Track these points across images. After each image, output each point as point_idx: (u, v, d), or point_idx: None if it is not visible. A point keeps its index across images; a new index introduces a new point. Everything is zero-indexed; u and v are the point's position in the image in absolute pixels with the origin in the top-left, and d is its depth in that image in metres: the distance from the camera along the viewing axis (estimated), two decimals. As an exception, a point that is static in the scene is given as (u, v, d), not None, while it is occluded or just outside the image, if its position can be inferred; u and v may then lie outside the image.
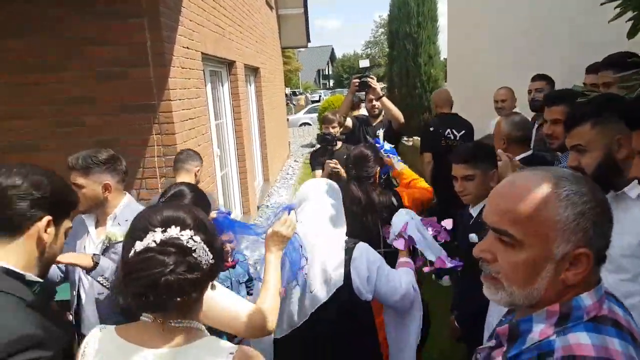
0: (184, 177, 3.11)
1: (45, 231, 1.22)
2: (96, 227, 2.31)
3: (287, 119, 15.91)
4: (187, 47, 4.36)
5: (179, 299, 1.05)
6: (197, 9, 4.75)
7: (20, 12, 3.70)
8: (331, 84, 59.59)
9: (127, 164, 3.82)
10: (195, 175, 3.22)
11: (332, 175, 3.79)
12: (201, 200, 1.94)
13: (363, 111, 5.35)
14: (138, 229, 1.11)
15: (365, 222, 2.53)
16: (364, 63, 6.60)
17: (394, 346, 2.17)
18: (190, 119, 4.35)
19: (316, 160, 4.19)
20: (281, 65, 13.86)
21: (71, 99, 3.82)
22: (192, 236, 1.10)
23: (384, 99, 4.19)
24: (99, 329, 1.18)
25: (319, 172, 4.14)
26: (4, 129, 3.87)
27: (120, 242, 2.04)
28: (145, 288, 1.03)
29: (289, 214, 1.84)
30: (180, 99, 4.07)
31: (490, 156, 2.26)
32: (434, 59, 13.46)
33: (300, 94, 37.22)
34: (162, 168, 3.96)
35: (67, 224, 1.32)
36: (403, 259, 2.25)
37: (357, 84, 4.15)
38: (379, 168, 2.69)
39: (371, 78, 4.17)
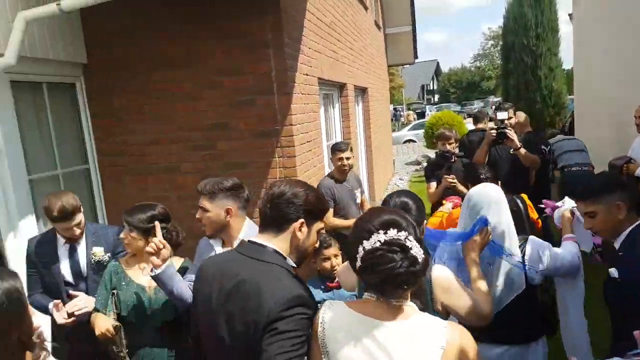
0: None
1: (300, 230, 1.60)
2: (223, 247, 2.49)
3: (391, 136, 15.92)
4: (307, 74, 4.67)
5: (405, 287, 1.35)
6: (315, 37, 5.07)
7: (165, 48, 4.26)
8: (436, 99, 58.30)
9: (252, 184, 4.27)
10: None
11: (449, 189, 4.13)
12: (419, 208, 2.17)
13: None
14: (363, 230, 1.39)
15: None
16: (502, 115, 6.44)
17: (562, 308, 2.54)
18: (307, 141, 4.63)
19: (432, 173, 4.46)
20: (387, 83, 13.99)
21: (206, 125, 4.28)
22: (407, 236, 1.36)
23: (521, 149, 4.31)
24: (330, 303, 1.49)
25: (433, 184, 4.42)
26: (150, 152, 4.45)
27: None
28: (382, 280, 1.33)
29: (485, 225, 2.23)
30: (300, 124, 4.37)
31: (615, 186, 2.14)
32: (556, 72, 12.60)
33: (407, 109, 36.94)
34: (282, 188, 4.24)
35: (318, 225, 1.68)
36: (569, 234, 2.58)
37: (494, 134, 4.32)
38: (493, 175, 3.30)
39: (509, 130, 4.31)
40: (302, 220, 1.60)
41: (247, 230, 2.43)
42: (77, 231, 2.88)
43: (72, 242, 2.94)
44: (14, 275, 1.34)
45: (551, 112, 12.65)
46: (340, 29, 6.49)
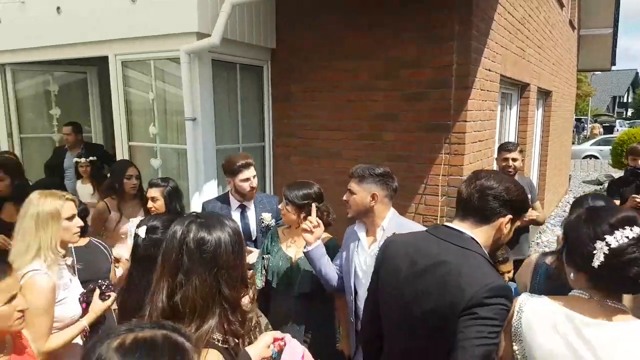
0: None
1: (506, 225, 1.59)
2: (367, 236, 2.49)
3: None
4: (489, 70, 4.35)
5: None
6: (503, 32, 4.69)
7: (349, 38, 4.35)
8: (629, 114, 50.37)
9: (412, 179, 4.15)
10: None
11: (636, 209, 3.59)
12: None
13: None
14: (596, 228, 1.36)
15: None
16: None
17: None
18: (479, 140, 4.33)
19: (617, 190, 4.07)
20: (574, 89, 12.46)
21: (375, 116, 4.29)
22: None
23: None
24: (529, 294, 1.52)
25: (616, 202, 3.81)
26: (318, 139, 4.64)
27: None
28: (633, 279, 1.30)
29: None
30: (474, 121, 4.10)
31: None
32: None
33: (593, 121, 32.69)
34: (445, 187, 4.06)
35: (517, 223, 1.65)
36: None
37: None
38: None
39: None
40: (510, 216, 1.59)
41: (390, 219, 2.43)
42: (255, 182, 3.13)
43: (244, 206, 3.20)
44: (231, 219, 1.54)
45: None
46: (530, 25, 5.92)
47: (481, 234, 1.59)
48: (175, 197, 3.26)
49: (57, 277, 2.17)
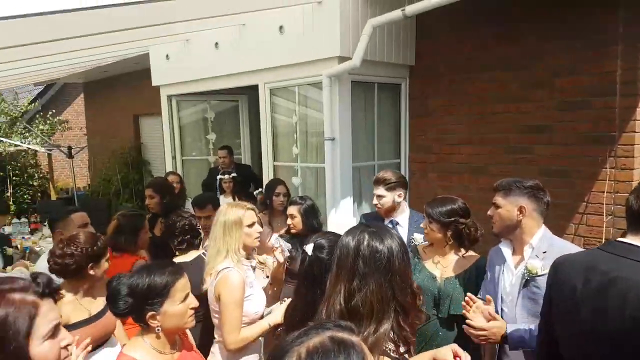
0: None
1: None
2: (513, 255, 2.28)
3: None
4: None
5: None
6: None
7: (494, 48, 4.12)
8: None
9: (570, 197, 3.75)
10: None
11: None
12: None
13: None
14: None
15: None
16: None
17: None
18: (651, 153, 3.75)
19: None
20: None
21: (526, 128, 3.98)
22: None
23: None
24: None
25: None
26: (458, 152, 4.45)
27: (541, 275, 2.04)
28: None
29: None
30: (645, 131, 3.57)
31: None
32: None
33: None
34: (611, 205, 3.58)
35: None
36: None
37: None
38: None
39: None
40: None
41: (542, 237, 2.19)
42: (375, 201, 3.08)
43: (396, 222, 3.13)
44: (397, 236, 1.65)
45: None
46: None
47: None
48: (311, 214, 3.36)
49: (244, 275, 2.44)
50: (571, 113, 3.73)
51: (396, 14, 3.61)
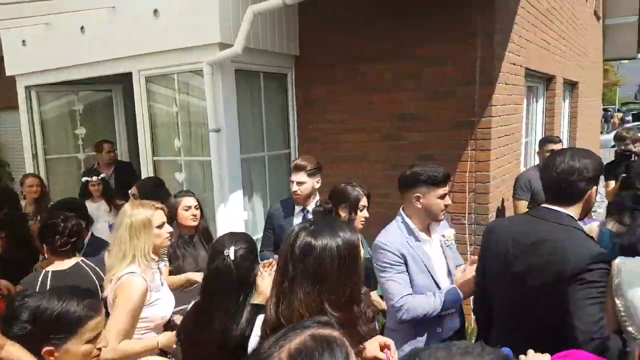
0: None
1: (593, 195, 1.83)
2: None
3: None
4: (513, 64, 4.26)
5: None
6: (527, 25, 4.59)
7: (372, 41, 4.30)
8: (658, 101, 48.75)
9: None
10: None
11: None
12: None
13: None
14: None
15: None
16: None
17: None
18: (505, 135, 4.24)
19: (610, 172, 4.60)
20: (600, 79, 12.13)
21: (401, 116, 4.23)
22: None
23: None
24: (622, 258, 1.65)
25: (611, 182, 4.59)
26: (342, 142, 4.59)
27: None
28: None
29: None
30: (499, 116, 4.01)
31: None
32: None
33: (617, 111, 31.76)
34: (472, 183, 3.97)
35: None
36: None
37: None
38: None
39: None
40: (596, 187, 1.82)
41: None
42: (295, 188, 3.07)
43: (307, 211, 3.12)
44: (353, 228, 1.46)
45: None
46: (554, 17, 5.79)
47: (575, 210, 1.81)
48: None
49: (150, 280, 2.28)
50: (438, 101, 4.05)
51: (276, 1, 3.59)
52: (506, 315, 1.91)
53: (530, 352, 1.47)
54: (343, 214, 2.68)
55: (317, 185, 3.15)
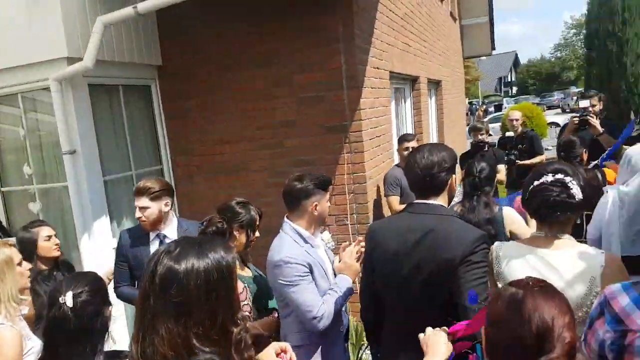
0: None
1: (453, 183, 1.99)
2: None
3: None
4: (377, 68, 4.45)
5: (559, 213, 1.73)
6: (387, 29, 4.83)
7: (238, 48, 4.22)
8: (514, 91, 55.34)
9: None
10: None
11: None
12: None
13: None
14: (538, 174, 1.80)
15: None
16: (584, 103, 6.28)
17: None
18: (377, 136, 4.42)
19: (463, 162, 4.67)
20: (462, 75, 13.34)
21: (277, 123, 4.21)
22: (571, 180, 1.74)
23: (604, 136, 4.40)
24: (499, 243, 1.92)
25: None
26: (219, 153, 4.45)
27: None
28: (542, 203, 1.74)
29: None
30: (369, 119, 4.17)
31: None
32: (643, 58, 11.43)
33: (482, 104, 35.34)
34: (351, 185, 4.09)
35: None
36: None
37: (576, 122, 4.56)
38: (584, 150, 3.55)
39: (590, 117, 4.46)
40: (454, 175, 1.98)
41: None
42: (139, 214, 2.78)
43: (163, 235, 2.88)
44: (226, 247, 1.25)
45: (637, 100, 11.52)
46: (414, 21, 6.20)
47: (443, 199, 1.96)
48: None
49: (22, 327, 2.03)
50: (309, 107, 4.09)
51: (128, 11, 3.35)
52: (399, 310, 1.97)
53: (429, 329, 1.55)
54: (237, 233, 2.50)
55: (167, 209, 2.84)
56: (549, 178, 1.76)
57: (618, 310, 1.28)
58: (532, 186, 1.80)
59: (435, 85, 8.39)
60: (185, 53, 4.38)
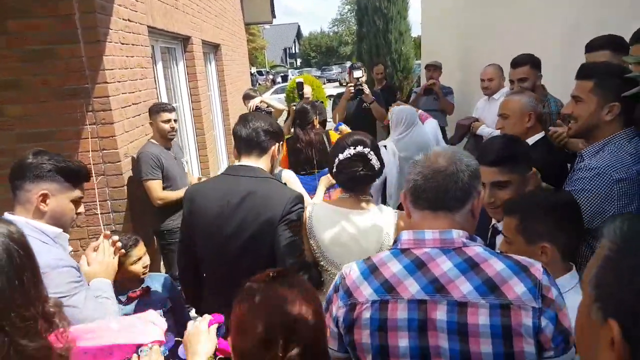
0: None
1: (275, 152, 2.12)
2: None
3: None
4: (129, 20, 3.72)
5: (364, 185, 2.01)
6: (140, -25, 4.08)
7: None
8: (298, 63, 58.55)
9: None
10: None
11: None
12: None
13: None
14: (340, 146, 1.99)
15: (305, 155, 3.65)
16: (358, 73, 6.73)
17: None
18: (133, 104, 3.73)
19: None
20: (245, 42, 13.10)
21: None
22: (369, 152, 1.96)
23: (374, 103, 4.92)
24: (314, 203, 2.18)
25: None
26: None
27: None
28: (348, 179, 1.98)
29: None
30: (119, 81, 3.46)
31: (527, 154, 1.95)
32: (405, 36, 13.02)
33: (268, 73, 36.18)
34: (100, 164, 3.35)
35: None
36: None
37: (352, 91, 4.86)
38: (315, 117, 3.79)
39: (363, 86, 4.82)
40: (277, 144, 2.10)
41: None
42: None
43: None
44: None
45: (400, 76, 13.15)
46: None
47: (263, 163, 2.06)
48: None
49: None
50: (38, 64, 3.17)
51: None
52: (220, 267, 2.02)
53: (189, 324, 1.54)
54: None
55: None
56: (351, 151, 1.94)
57: (349, 284, 1.29)
58: (337, 160, 1.96)
59: (213, 49, 7.87)
60: None
